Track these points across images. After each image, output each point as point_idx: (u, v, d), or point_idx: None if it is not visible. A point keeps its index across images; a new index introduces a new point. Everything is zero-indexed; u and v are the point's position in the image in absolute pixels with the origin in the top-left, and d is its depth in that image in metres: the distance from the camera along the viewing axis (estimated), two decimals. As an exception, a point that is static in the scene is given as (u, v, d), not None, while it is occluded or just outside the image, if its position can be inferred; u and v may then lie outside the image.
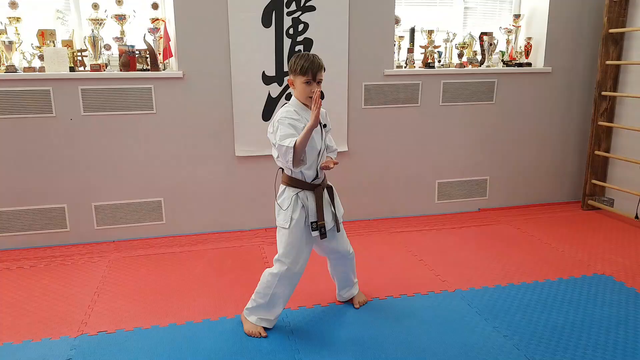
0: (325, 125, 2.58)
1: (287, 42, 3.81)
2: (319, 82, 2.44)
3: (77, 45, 3.74)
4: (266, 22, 3.74)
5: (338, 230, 2.64)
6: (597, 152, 4.52)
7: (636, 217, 4.16)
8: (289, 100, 3.84)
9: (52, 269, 3.39)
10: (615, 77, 4.41)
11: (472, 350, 2.49)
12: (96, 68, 3.59)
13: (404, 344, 2.54)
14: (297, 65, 2.41)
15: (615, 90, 4.43)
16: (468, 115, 4.40)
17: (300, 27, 3.82)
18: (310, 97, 2.41)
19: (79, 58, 3.65)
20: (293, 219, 2.49)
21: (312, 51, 3.84)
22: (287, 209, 2.51)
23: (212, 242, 3.84)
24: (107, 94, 3.61)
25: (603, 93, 4.41)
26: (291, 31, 3.81)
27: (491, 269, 3.38)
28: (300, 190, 2.52)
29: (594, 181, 4.58)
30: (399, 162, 4.33)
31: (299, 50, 3.85)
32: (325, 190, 2.59)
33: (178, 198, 3.95)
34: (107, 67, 3.71)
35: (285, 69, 3.85)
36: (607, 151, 4.54)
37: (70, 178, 3.72)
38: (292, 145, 2.31)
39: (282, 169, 2.58)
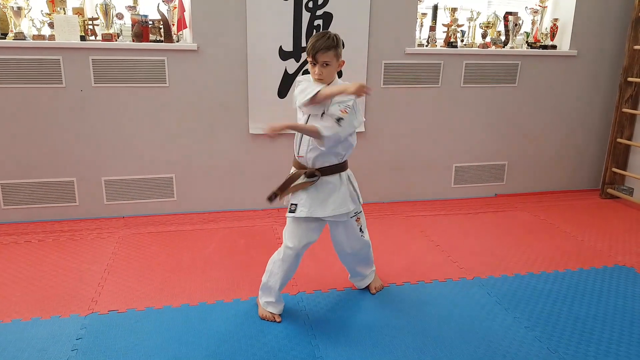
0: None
1: (305, 16, 3.67)
2: (325, 65, 2.27)
3: (89, 13, 3.61)
4: (285, -6, 3.61)
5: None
6: (619, 140, 4.40)
7: (657, 207, 4.06)
8: (305, 76, 3.81)
9: (61, 244, 3.32)
10: (642, 62, 4.26)
11: (493, 342, 2.41)
12: (108, 38, 3.46)
13: (422, 332, 2.47)
14: (308, 43, 2.31)
15: (642, 76, 4.28)
16: (489, 98, 4.26)
17: (320, 0, 3.67)
18: (318, 80, 2.29)
19: (90, 27, 3.52)
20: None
21: (332, 26, 3.70)
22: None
23: (224, 221, 3.76)
24: (118, 65, 3.50)
25: (629, 79, 4.26)
26: (310, 4, 3.66)
27: (510, 257, 3.30)
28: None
29: (614, 169, 4.46)
30: (416, 144, 4.21)
31: (318, 25, 3.71)
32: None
33: (189, 175, 3.85)
34: (119, 37, 3.58)
35: (303, 44, 3.72)
36: (630, 139, 4.41)
37: (80, 151, 3.62)
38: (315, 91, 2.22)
39: None
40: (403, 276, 3.00)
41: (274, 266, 2.49)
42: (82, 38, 3.44)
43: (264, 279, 2.54)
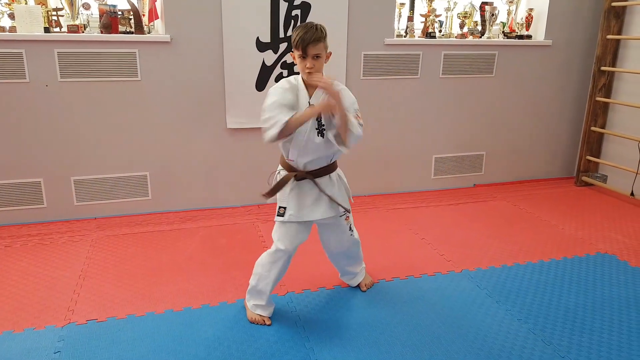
0: (323, 126, 2.24)
1: (283, 6, 3.55)
2: (316, 58, 2.17)
3: (52, 3, 3.39)
4: (261, -16, 3.48)
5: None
6: (593, 128, 4.45)
7: (632, 194, 4.13)
8: (284, 69, 3.69)
9: (30, 249, 3.13)
10: (614, 51, 4.31)
11: (488, 335, 2.38)
12: (74, 29, 3.27)
13: (417, 328, 2.42)
14: (293, 36, 2.19)
15: (614, 65, 4.33)
16: (467, 89, 4.25)
17: (297, -10, 3.56)
18: (308, 73, 2.18)
19: (55, 18, 3.31)
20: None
21: (310, 17, 3.60)
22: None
23: (203, 220, 3.63)
24: (86, 58, 3.30)
25: (602, 68, 4.31)
26: (287, -6, 3.55)
27: (495, 248, 3.29)
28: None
29: (588, 157, 4.52)
30: (396, 136, 4.16)
31: (296, 16, 3.60)
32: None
33: (165, 172, 3.70)
34: (86, 29, 3.39)
35: (281, 34, 3.60)
36: (603, 127, 4.48)
37: (47, 150, 3.42)
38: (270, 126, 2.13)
39: None
40: (392, 271, 2.95)
41: (264, 269, 2.39)
42: (46, 30, 3.23)
43: (252, 282, 2.44)
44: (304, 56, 2.17)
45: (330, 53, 2.30)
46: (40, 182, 3.46)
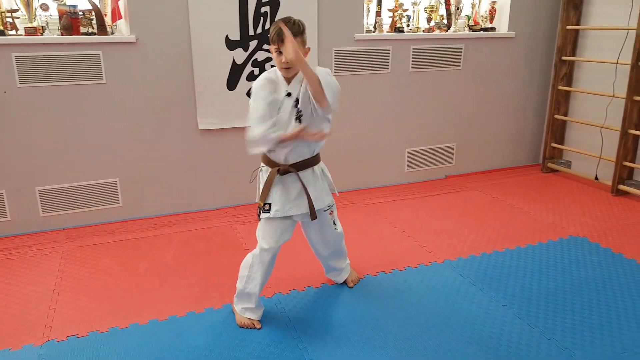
0: (300, 112, 2.22)
1: (252, 3, 3.48)
2: None
3: (6, 4, 3.22)
4: (228, -20, 3.40)
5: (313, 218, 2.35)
6: (556, 116, 4.58)
7: (596, 178, 4.27)
8: (255, 67, 3.63)
9: (-3, 265, 2.97)
10: (574, 41, 4.44)
11: (476, 323, 2.41)
12: (32, 32, 3.10)
13: (407, 320, 2.43)
14: (270, 31, 2.15)
15: (574, 55, 4.46)
16: (436, 82, 4.29)
17: (265, -14, 3.50)
18: (284, 69, 2.15)
19: (9, 20, 3.14)
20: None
21: (279, 13, 3.54)
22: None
23: (178, 225, 3.53)
24: (47, 61, 3.15)
25: (563, 58, 4.43)
26: (255, -9, 3.49)
27: (473, 237, 3.33)
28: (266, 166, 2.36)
29: (553, 144, 4.65)
30: (369, 131, 4.16)
31: (265, 13, 3.54)
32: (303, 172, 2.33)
33: (135, 177, 3.57)
34: (45, 31, 3.23)
35: (251, 32, 3.54)
36: (566, 115, 4.61)
37: (8, 160, 3.25)
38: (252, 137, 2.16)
39: None
40: (377, 266, 2.94)
41: (251, 270, 2.34)
42: (1, 33, 3.06)
43: (239, 285, 2.38)
44: (279, 51, 2.12)
45: (309, 48, 2.26)
46: (3, 194, 3.28)
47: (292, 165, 2.27)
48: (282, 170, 2.26)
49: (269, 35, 2.15)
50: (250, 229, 3.44)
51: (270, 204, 2.28)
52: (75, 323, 2.41)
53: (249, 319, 2.38)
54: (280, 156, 2.27)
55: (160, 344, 2.25)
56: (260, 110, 2.15)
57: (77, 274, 2.87)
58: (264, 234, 2.32)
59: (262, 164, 2.36)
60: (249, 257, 2.37)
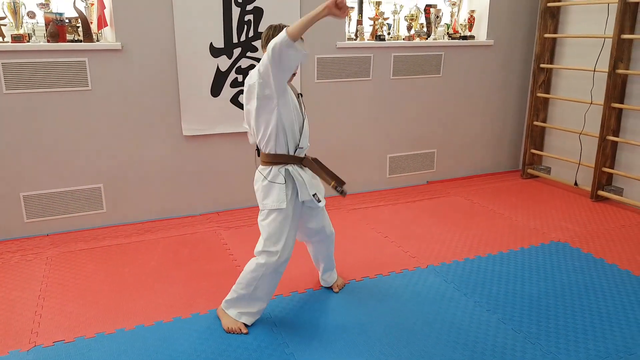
0: (300, 95, 2.40)
1: (235, 11, 3.52)
2: None
3: (-8, 12, 3.21)
4: (213, -11, 3.43)
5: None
6: (535, 123, 4.68)
7: (575, 184, 4.37)
8: (239, 74, 3.66)
9: (-20, 272, 2.95)
10: (552, 49, 4.55)
11: (461, 328, 2.45)
12: (18, 39, 3.10)
13: (392, 326, 2.46)
14: (263, 37, 2.23)
15: (552, 62, 4.58)
16: (417, 89, 4.36)
17: (250, -6, 3.54)
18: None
19: (-5, 27, 3.13)
20: (288, 196, 2.30)
21: (263, 22, 3.58)
22: (278, 188, 2.29)
23: (162, 230, 3.53)
24: (33, 68, 3.15)
25: (541, 65, 4.54)
26: (240, -1, 3.52)
27: (455, 242, 3.39)
28: (287, 164, 2.33)
29: (532, 150, 4.75)
30: (351, 137, 4.22)
31: (249, 21, 3.57)
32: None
33: (119, 183, 3.57)
34: (32, 38, 3.22)
35: (235, 40, 3.57)
36: (544, 121, 4.72)
37: (-8, 166, 3.24)
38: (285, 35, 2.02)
39: (258, 150, 2.36)
40: (361, 271, 2.98)
41: (262, 279, 2.34)
42: (-13, 40, 3.06)
43: (243, 291, 2.37)
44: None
45: None
46: (-14, 200, 3.26)
47: (296, 156, 2.35)
48: (308, 158, 2.37)
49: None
50: (234, 234, 3.47)
51: (316, 194, 2.34)
52: (62, 329, 2.41)
53: (237, 324, 2.39)
54: (303, 148, 2.36)
55: (147, 349, 2.26)
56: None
57: (62, 279, 2.86)
58: (281, 237, 2.31)
59: (266, 166, 2.34)
60: (258, 266, 2.33)
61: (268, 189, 2.31)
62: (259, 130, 2.28)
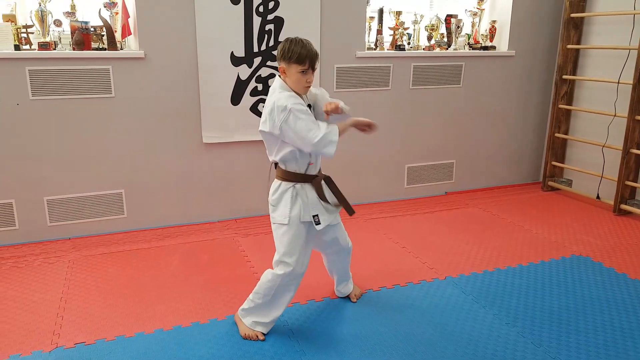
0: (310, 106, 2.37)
1: (257, 21, 3.57)
2: (313, 71, 2.24)
3: (21, 20, 3.30)
4: (235, -1, 3.48)
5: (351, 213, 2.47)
6: (557, 135, 4.63)
7: (597, 197, 4.31)
8: (259, 83, 3.69)
9: (5, 273, 3.00)
10: (575, 60, 4.51)
11: (480, 341, 2.43)
12: (45, 46, 3.18)
13: (410, 337, 2.45)
14: (292, 52, 2.17)
15: (574, 73, 4.53)
16: (437, 99, 4.36)
17: (271, 4, 3.58)
18: (307, 87, 2.25)
19: (24, 35, 3.22)
20: (292, 214, 2.30)
21: (283, 31, 3.62)
22: (284, 204, 2.32)
23: (181, 236, 3.57)
24: (59, 75, 3.22)
25: (564, 77, 4.50)
26: (261, 9, 3.56)
27: (474, 254, 3.36)
28: (296, 183, 2.33)
29: (553, 162, 4.70)
30: (369, 147, 4.21)
31: (269, 30, 3.61)
32: (322, 180, 2.43)
33: (140, 189, 3.62)
34: (58, 46, 3.30)
35: (255, 49, 3.61)
36: (566, 133, 4.66)
37: (19, 170, 3.30)
38: (336, 138, 2.22)
39: (276, 164, 2.38)
40: (378, 281, 2.98)
41: (279, 290, 2.35)
42: (16, 47, 3.14)
43: (259, 300, 2.39)
44: (306, 70, 2.20)
45: None
46: (12, 203, 3.33)
47: (307, 174, 2.36)
48: (318, 179, 2.37)
49: (292, 53, 2.17)
50: (252, 241, 3.49)
51: (317, 215, 2.34)
52: (83, 331, 2.44)
53: (253, 330, 2.40)
54: (314, 169, 2.38)
55: (166, 353, 2.28)
56: (310, 121, 2.18)
57: (83, 282, 2.91)
58: (296, 251, 2.32)
59: (278, 181, 2.36)
60: (276, 277, 2.34)
61: (277, 203, 2.34)
62: (271, 152, 2.34)
